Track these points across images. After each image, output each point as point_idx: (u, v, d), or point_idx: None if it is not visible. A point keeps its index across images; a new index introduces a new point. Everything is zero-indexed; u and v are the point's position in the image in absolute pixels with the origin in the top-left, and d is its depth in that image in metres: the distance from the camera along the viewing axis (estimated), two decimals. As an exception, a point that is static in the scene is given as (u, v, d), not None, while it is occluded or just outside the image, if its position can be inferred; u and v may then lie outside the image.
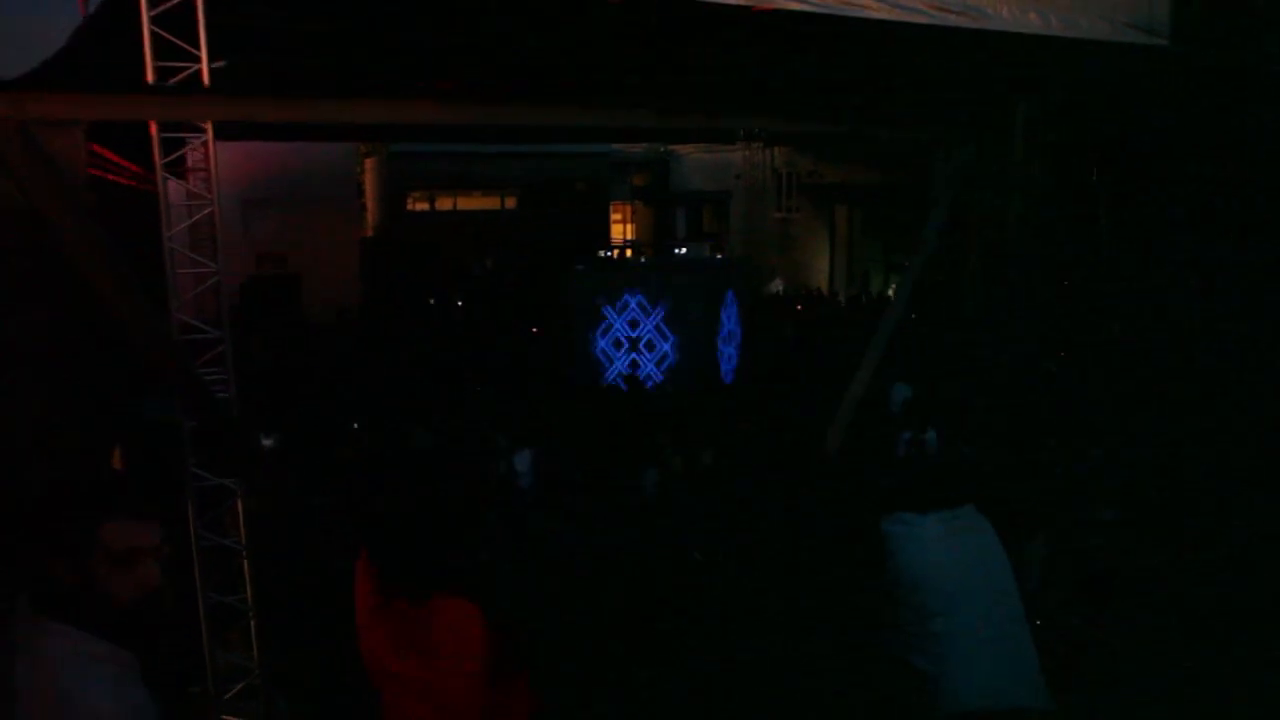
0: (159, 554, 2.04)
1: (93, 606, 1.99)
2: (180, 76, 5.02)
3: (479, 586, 2.42)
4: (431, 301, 24.62)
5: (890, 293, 24.86)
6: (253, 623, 5.79)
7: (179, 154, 5.45)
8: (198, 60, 5.02)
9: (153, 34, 4.93)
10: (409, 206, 30.51)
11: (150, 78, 4.94)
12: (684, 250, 17.01)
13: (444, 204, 31.44)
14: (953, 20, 7.20)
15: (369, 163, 29.84)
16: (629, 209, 35.17)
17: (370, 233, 29.56)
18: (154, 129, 5.31)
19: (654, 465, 8.64)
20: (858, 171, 23.78)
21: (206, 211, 5.27)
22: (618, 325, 14.34)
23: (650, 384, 13.03)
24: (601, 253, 16.51)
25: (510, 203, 32.36)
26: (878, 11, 6.92)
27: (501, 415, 10.97)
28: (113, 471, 5.30)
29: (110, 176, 8.59)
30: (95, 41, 5.21)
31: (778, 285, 25.09)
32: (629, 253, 34.04)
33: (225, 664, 5.81)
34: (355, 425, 10.48)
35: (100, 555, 1.97)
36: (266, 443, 10.98)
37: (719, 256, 16.06)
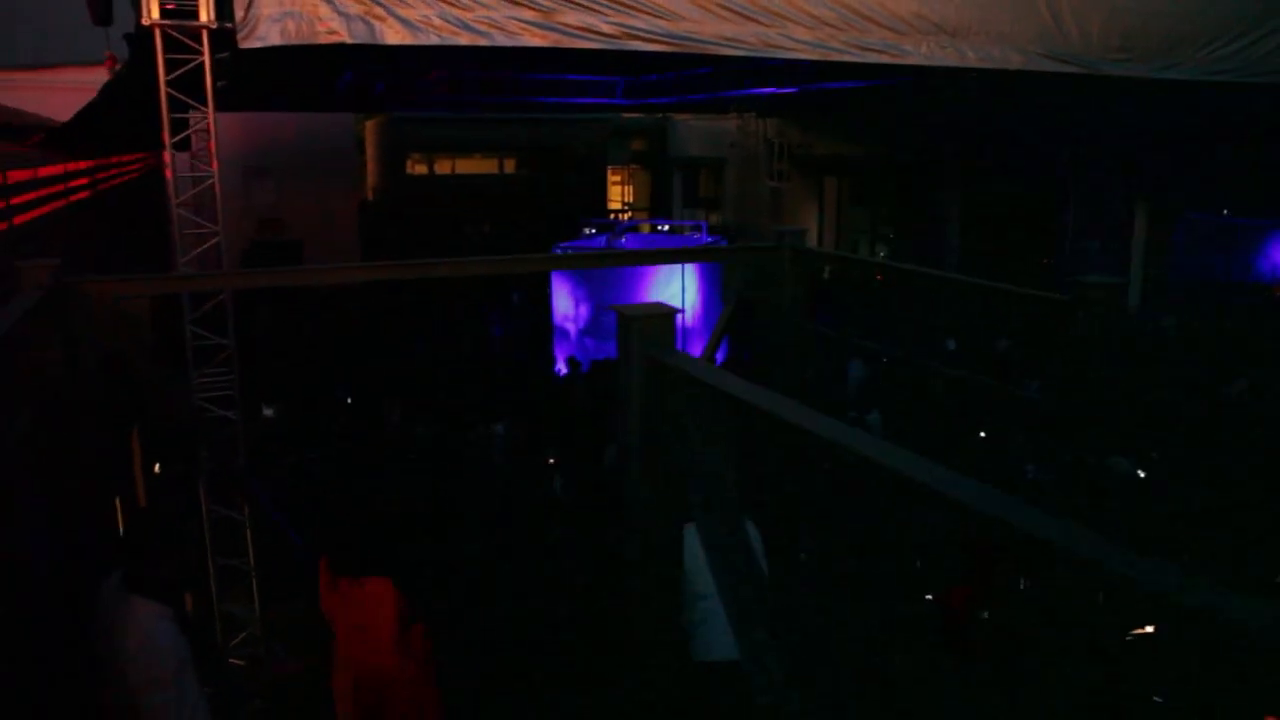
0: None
1: (151, 584, 3.32)
2: (193, 129, 5.98)
3: (397, 571, 3.56)
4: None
5: (878, 259, 25.77)
6: (254, 581, 6.87)
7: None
8: (204, 116, 5.98)
9: (168, 93, 5.89)
10: (408, 169, 31.25)
11: (166, 131, 5.91)
12: (666, 228, 17.82)
13: (443, 167, 32.13)
14: (874, 58, 8.07)
15: (370, 124, 30.45)
16: (627, 173, 36.00)
17: (370, 195, 30.31)
18: (164, 114, 6.30)
19: (614, 442, 9.64)
20: (845, 146, 24.51)
21: (214, 241, 6.24)
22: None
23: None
24: (587, 230, 17.30)
25: (510, 165, 33.15)
26: (805, 53, 7.79)
27: (482, 395, 11.99)
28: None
29: (126, 178, 9.55)
30: (121, 96, 6.15)
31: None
32: (626, 215, 34.98)
33: (230, 616, 6.91)
34: (348, 400, 11.46)
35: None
36: (267, 413, 11.98)
37: (700, 234, 16.86)
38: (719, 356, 16.22)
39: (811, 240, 26.13)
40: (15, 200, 4.02)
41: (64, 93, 19.42)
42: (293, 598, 6.81)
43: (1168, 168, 16.20)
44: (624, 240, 16.42)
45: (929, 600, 6.78)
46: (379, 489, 7.55)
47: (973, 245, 21.09)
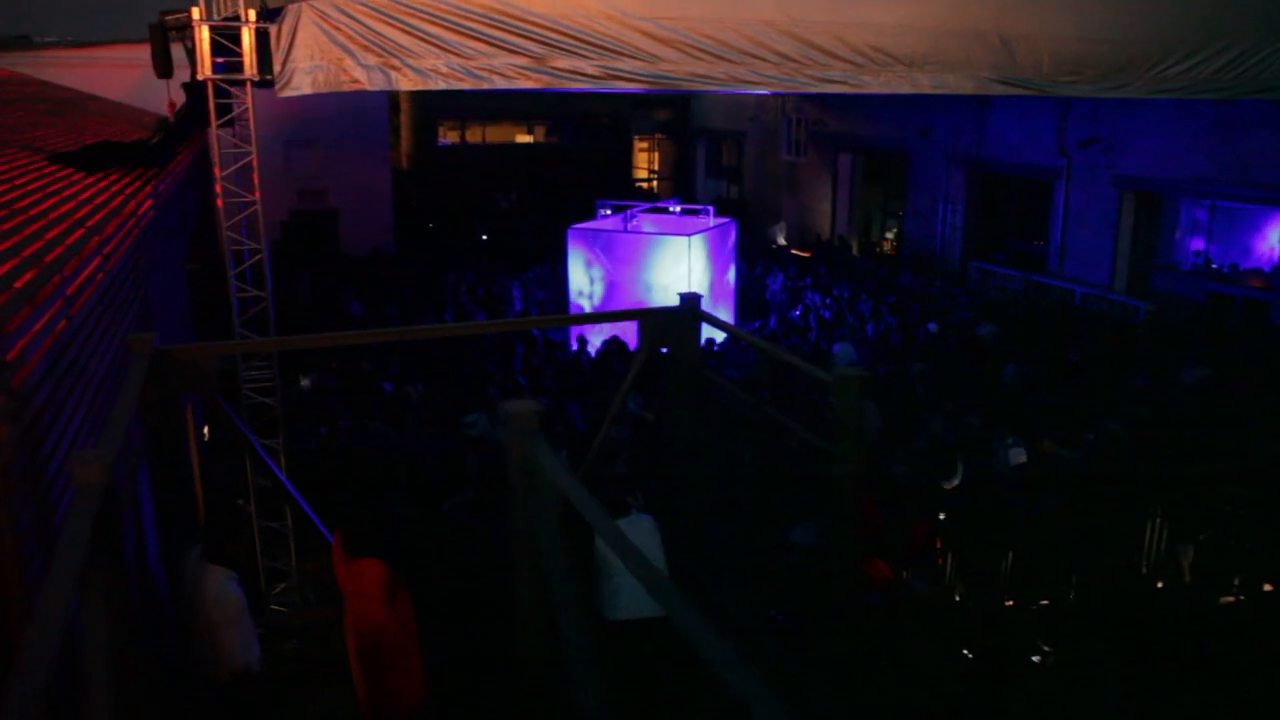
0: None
1: (221, 556, 4.60)
2: (238, 165, 7.17)
3: (388, 551, 4.83)
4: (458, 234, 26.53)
5: (890, 235, 26.61)
6: (291, 541, 8.16)
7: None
8: (248, 154, 7.17)
9: (219, 135, 7.08)
10: (441, 137, 32.37)
11: (217, 166, 7.11)
12: (678, 210, 18.82)
13: (474, 135, 33.23)
14: (835, 88, 9.04)
15: (404, 91, 31.39)
16: (653, 141, 36.90)
17: (405, 165, 31.43)
18: (215, 152, 7.50)
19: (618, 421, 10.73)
20: (859, 124, 25.23)
21: (258, 257, 7.44)
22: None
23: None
24: (603, 211, 18.33)
25: (540, 133, 34.22)
26: (772, 86, 8.79)
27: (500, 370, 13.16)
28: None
29: (177, 171, 10.73)
30: (179, 135, 7.35)
31: (781, 233, 26.88)
32: (654, 183, 36.01)
33: (272, 569, 8.23)
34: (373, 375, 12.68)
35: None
36: (304, 384, 13.22)
37: (708, 218, 17.81)
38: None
39: (825, 216, 27.04)
40: (107, 249, 5.19)
41: (112, 69, 20.75)
42: (325, 554, 8.05)
43: (1157, 154, 16.87)
44: (636, 223, 17.45)
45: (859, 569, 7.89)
46: (392, 468, 8.75)
47: (975, 225, 21.90)
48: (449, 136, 32.87)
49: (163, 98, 14.36)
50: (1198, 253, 18.15)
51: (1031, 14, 9.63)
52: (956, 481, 8.94)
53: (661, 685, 5.19)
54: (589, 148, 33.26)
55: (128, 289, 5.86)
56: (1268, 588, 7.43)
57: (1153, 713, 6.53)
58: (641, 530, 5.35)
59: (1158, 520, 7.46)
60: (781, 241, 26.80)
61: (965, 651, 7.03)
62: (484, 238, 26.50)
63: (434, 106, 31.12)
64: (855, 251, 25.37)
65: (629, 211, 17.78)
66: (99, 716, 2.28)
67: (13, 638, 3.04)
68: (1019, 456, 10.07)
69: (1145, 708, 6.50)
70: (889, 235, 26.61)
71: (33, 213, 5.02)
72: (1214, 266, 17.78)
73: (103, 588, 2.47)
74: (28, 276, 3.71)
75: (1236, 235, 17.57)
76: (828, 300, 18.27)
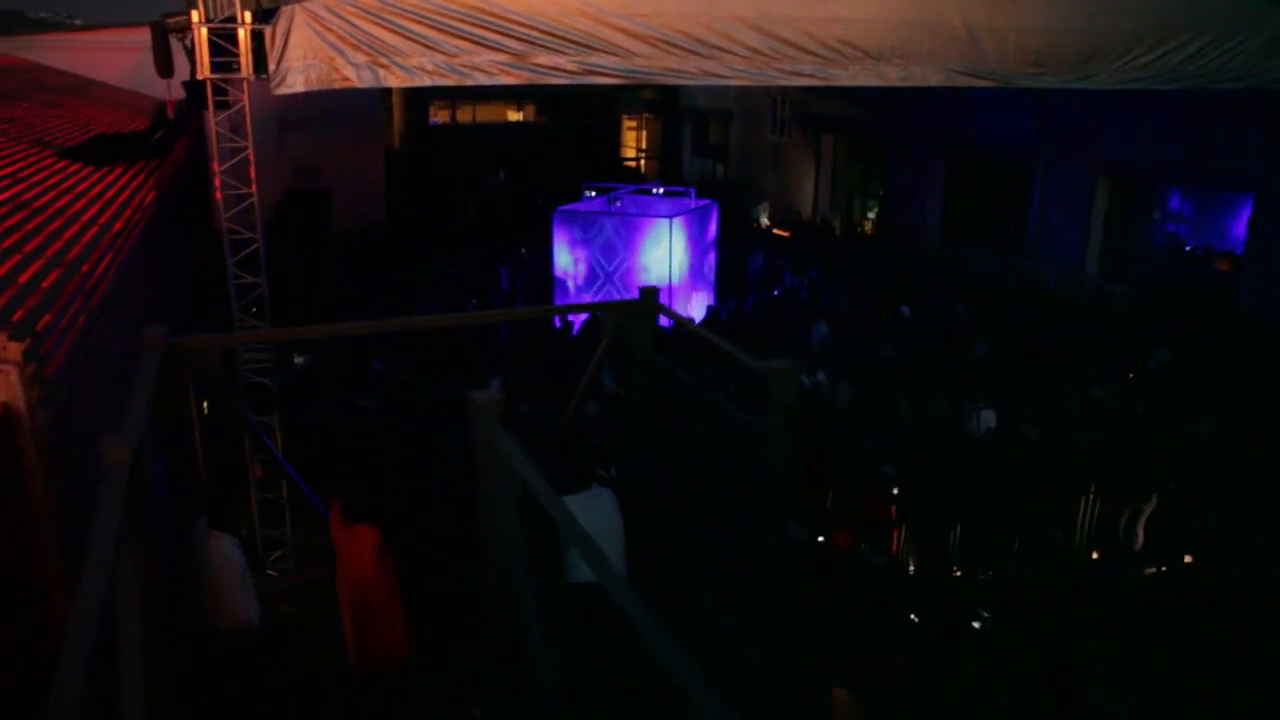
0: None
1: (225, 524, 5.02)
2: (235, 160, 7.59)
3: (380, 519, 5.32)
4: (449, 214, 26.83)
5: (871, 215, 27.00)
6: (287, 513, 8.64)
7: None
8: (245, 149, 7.59)
9: (217, 131, 7.49)
10: (432, 116, 32.62)
11: (215, 161, 7.53)
12: (660, 191, 19.21)
13: (464, 114, 33.48)
14: (805, 81, 9.45)
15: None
16: (641, 120, 37.15)
17: (396, 144, 31.65)
18: (214, 148, 7.91)
19: (594, 398, 11.17)
20: (841, 106, 25.55)
21: (255, 246, 7.87)
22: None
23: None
24: (588, 193, 18.71)
25: (530, 112, 34.48)
26: (743, 80, 9.20)
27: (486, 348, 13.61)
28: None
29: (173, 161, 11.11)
30: (179, 129, 7.75)
31: (764, 213, 27.26)
32: (642, 164, 36.31)
33: (268, 537, 8.72)
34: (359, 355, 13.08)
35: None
36: (298, 361, 13.64)
37: (690, 200, 18.20)
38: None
39: (807, 196, 27.42)
40: (118, 244, 5.61)
41: (110, 52, 21.00)
42: (316, 524, 8.53)
43: (1132, 140, 17.25)
44: (620, 204, 17.84)
45: (820, 541, 8.40)
46: (380, 443, 9.24)
47: (953, 207, 22.33)
48: (440, 115, 33.09)
49: (161, 82, 14.72)
50: (1170, 236, 18.60)
51: (998, 6, 9.99)
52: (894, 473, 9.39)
53: (613, 640, 5.68)
54: (578, 126, 33.52)
55: (134, 279, 6.29)
56: (1189, 559, 7.96)
57: (1083, 675, 7.05)
58: (602, 504, 5.83)
59: (1091, 495, 7.98)
60: (765, 221, 27.18)
61: (913, 616, 7.55)
62: (474, 219, 26.84)
63: (425, 85, 31.24)
64: (837, 232, 25.72)
65: (613, 193, 18.17)
66: (131, 661, 2.75)
67: (48, 589, 3.52)
68: (990, 420, 10.57)
69: (1076, 670, 7.01)
70: (870, 216, 27.01)
71: (50, 211, 5.45)
72: (1187, 249, 18.24)
73: (133, 554, 2.93)
74: (54, 276, 4.15)
75: (1210, 219, 18.00)
76: (805, 281, 18.70)
